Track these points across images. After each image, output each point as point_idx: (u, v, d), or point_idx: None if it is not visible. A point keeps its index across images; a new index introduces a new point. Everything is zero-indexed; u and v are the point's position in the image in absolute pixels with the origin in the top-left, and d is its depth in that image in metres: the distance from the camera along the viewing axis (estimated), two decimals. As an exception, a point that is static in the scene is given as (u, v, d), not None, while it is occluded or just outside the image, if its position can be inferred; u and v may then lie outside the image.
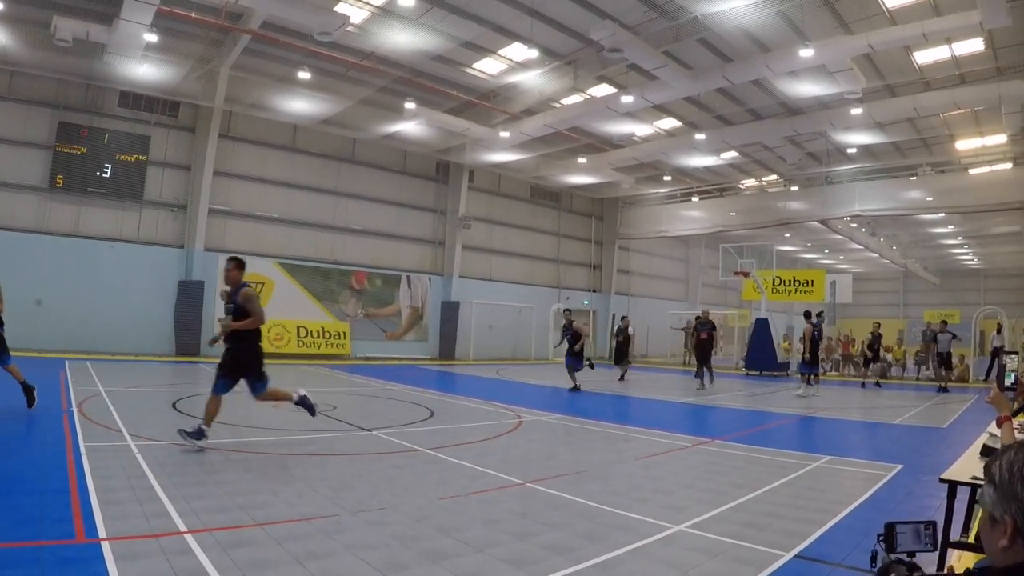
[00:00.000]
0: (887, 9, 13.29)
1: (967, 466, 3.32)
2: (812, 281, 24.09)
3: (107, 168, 17.01)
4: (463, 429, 8.50)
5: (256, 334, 6.36)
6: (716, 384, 16.19)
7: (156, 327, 17.71)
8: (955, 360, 18.73)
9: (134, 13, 12.46)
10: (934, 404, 13.95)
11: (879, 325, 19.24)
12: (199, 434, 6.00)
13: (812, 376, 14.62)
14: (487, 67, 17.32)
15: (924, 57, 15.34)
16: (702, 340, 15.92)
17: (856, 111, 17.08)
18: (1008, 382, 4.00)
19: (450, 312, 23.92)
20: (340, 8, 13.73)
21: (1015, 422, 3.27)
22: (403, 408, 10.24)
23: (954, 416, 11.68)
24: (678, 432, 8.94)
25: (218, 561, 3.35)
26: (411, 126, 19.64)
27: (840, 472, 6.48)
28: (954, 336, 17.49)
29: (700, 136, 19.48)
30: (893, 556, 1.73)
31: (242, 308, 6.18)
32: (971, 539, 3.52)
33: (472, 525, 4.25)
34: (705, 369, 15.84)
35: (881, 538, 1.79)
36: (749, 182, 27.99)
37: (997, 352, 17.32)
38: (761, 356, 22.14)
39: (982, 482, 1.31)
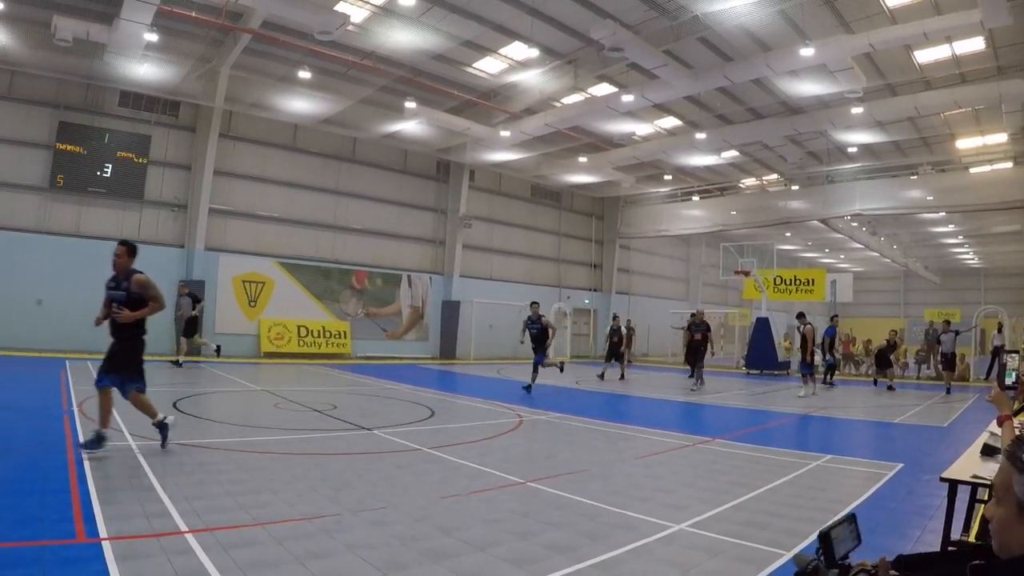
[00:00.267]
0: (888, 8, 13.27)
1: (968, 465, 3.31)
2: (813, 280, 24.16)
3: (107, 168, 17.00)
4: (464, 428, 8.51)
5: (143, 328, 5.91)
6: (716, 384, 16.18)
7: (156, 327, 17.51)
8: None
9: (134, 13, 12.44)
10: (935, 403, 13.96)
11: (896, 333, 19.31)
12: (98, 440, 5.54)
13: (810, 376, 14.62)
14: (487, 66, 17.30)
15: (925, 56, 15.32)
16: (696, 341, 15.86)
17: (857, 110, 17.04)
18: (1009, 381, 3.98)
19: (451, 311, 23.92)
20: (340, 7, 13.72)
21: (1016, 421, 3.26)
22: (404, 407, 10.24)
23: (955, 415, 11.69)
24: (679, 431, 8.95)
25: (219, 561, 3.35)
26: (411, 125, 19.63)
27: (841, 471, 6.48)
28: (958, 333, 17.42)
29: (701, 135, 19.46)
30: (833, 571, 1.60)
31: (139, 296, 5.76)
32: (972, 538, 3.51)
33: (473, 524, 4.25)
34: (696, 370, 15.80)
35: (820, 552, 1.64)
36: (750, 181, 27.95)
37: (998, 351, 17.31)
38: (762, 355, 22.19)
39: (982, 481, 1.30)
